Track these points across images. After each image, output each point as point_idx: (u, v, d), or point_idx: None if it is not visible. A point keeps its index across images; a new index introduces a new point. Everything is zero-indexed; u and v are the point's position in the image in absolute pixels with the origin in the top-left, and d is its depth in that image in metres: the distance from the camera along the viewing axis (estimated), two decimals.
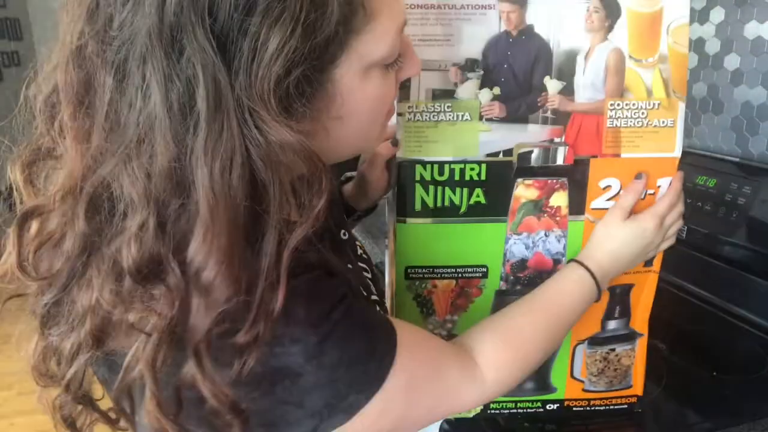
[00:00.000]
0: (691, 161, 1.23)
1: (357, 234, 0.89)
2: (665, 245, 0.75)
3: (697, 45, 1.31)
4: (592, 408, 0.86)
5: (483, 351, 0.62)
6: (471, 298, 0.79)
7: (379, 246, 1.43)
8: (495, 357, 0.62)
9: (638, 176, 0.73)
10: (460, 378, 0.59)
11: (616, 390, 0.85)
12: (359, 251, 0.76)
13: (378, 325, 0.54)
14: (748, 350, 1.01)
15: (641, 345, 0.83)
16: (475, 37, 0.69)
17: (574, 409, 0.86)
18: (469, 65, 0.70)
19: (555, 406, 0.85)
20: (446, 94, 0.71)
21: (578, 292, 0.70)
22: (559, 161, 0.72)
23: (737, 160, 1.19)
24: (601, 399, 0.86)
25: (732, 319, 1.10)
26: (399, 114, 0.70)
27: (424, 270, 0.77)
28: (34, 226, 0.48)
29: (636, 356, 0.83)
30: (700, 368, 0.94)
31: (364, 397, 0.50)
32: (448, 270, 0.77)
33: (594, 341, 0.83)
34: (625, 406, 0.85)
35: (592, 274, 0.70)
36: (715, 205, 1.15)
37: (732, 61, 1.23)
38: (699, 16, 1.29)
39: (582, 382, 0.84)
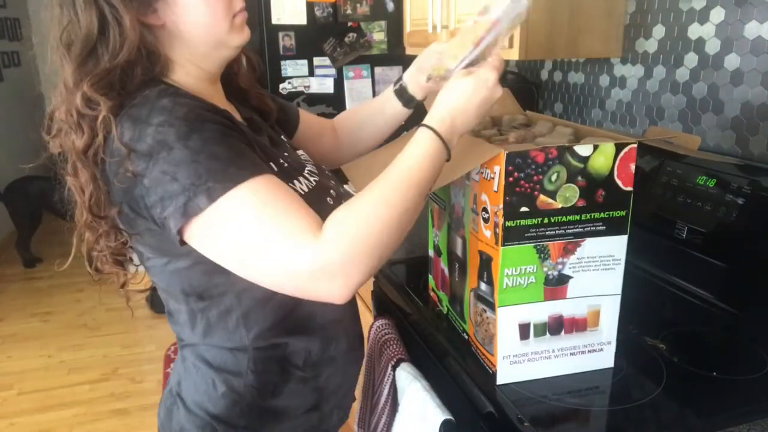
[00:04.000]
0: (691, 161, 1.24)
1: None
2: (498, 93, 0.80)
3: (697, 45, 1.31)
4: (477, 352, 0.96)
5: (328, 222, 0.69)
6: None
7: None
8: (336, 227, 0.68)
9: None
10: (294, 234, 0.67)
11: (487, 350, 0.91)
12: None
13: (248, 157, 0.71)
14: (748, 350, 1.01)
15: (498, 319, 0.86)
16: None
17: (471, 348, 0.98)
18: None
19: (465, 336, 1.01)
20: None
21: (424, 152, 0.74)
22: None
23: (737, 160, 1.19)
24: (479, 350, 0.94)
25: (732, 319, 1.10)
26: None
27: None
28: None
29: (495, 328, 0.87)
30: (700, 368, 0.94)
31: (220, 187, 0.67)
32: None
33: (476, 294, 0.92)
34: (490, 371, 0.91)
35: (436, 132, 0.74)
36: (715, 205, 1.15)
37: (732, 61, 1.23)
38: (699, 16, 1.29)
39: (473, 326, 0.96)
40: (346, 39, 2.49)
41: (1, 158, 4.37)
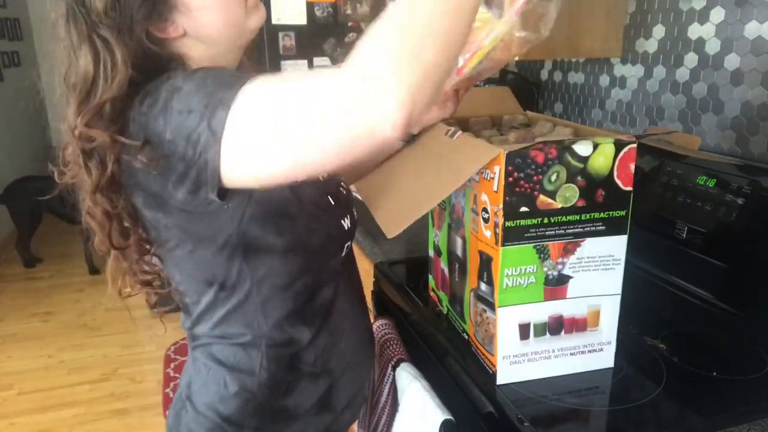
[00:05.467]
0: (691, 161, 1.24)
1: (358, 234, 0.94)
2: None
3: (697, 45, 1.31)
4: (477, 352, 0.95)
5: (357, 46, 0.57)
6: None
7: (379, 245, 1.43)
8: (370, 39, 0.57)
9: None
10: (329, 71, 0.59)
11: (487, 350, 0.91)
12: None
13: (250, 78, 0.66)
14: (748, 350, 1.01)
15: (498, 319, 0.86)
16: None
17: (471, 348, 0.97)
18: None
19: (465, 336, 1.00)
20: None
21: None
22: None
23: (737, 160, 1.19)
24: (479, 350, 0.94)
25: (732, 319, 1.10)
26: None
27: None
28: None
29: (495, 328, 0.87)
30: (700, 368, 0.94)
31: (231, 92, 0.63)
32: None
33: (476, 294, 0.91)
34: (490, 371, 0.91)
35: None
36: (715, 205, 1.15)
37: (732, 61, 1.23)
38: (699, 16, 1.29)
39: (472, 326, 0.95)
40: (346, 39, 2.49)
41: (1, 158, 4.37)
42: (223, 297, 0.83)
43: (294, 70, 0.71)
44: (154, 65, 0.73)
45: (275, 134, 0.61)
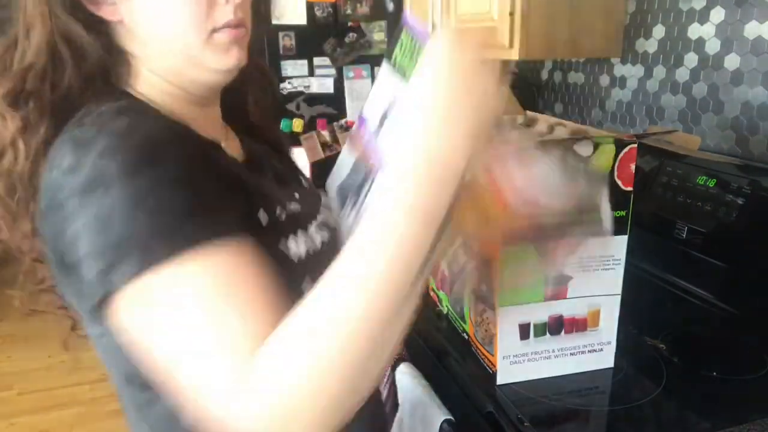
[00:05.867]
0: (691, 161, 1.24)
1: None
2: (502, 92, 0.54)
3: (697, 45, 1.31)
4: (477, 352, 0.95)
5: (272, 338, 0.46)
6: None
7: None
8: (278, 363, 0.45)
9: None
10: (229, 343, 0.47)
11: (487, 350, 0.90)
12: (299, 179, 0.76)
13: (217, 212, 0.51)
14: (748, 350, 1.01)
15: (498, 319, 0.86)
16: None
17: (471, 348, 0.97)
18: None
19: (465, 336, 0.99)
20: None
21: (395, 212, 0.48)
22: None
23: (737, 160, 1.19)
24: (479, 350, 0.94)
25: (732, 319, 1.10)
26: None
27: None
28: None
29: (495, 328, 0.87)
30: (700, 368, 0.94)
31: (161, 252, 0.47)
32: None
33: (476, 294, 0.91)
34: (490, 371, 0.91)
35: (405, 174, 0.49)
36: (715, 205, 1.15)
37: (732, 61, 1.23)
38: (699, 16, 1.29)
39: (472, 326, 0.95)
40: (346, 39, 2.49)
41: None
42: (148, 400, 0.60)
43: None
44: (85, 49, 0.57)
45: (152, 339, 0.50)
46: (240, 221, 0.53)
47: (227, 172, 0.59)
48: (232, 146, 0.69)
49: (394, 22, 2.48)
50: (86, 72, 0.57)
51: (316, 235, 0.65)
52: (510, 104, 1.09)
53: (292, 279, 0.57)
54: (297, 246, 0.61)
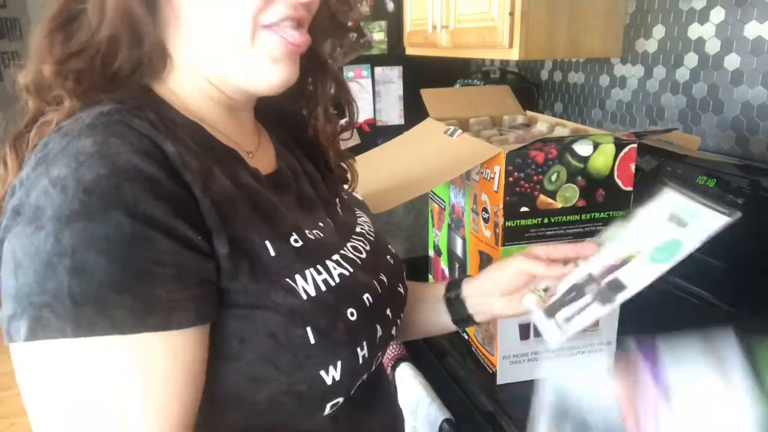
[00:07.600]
0: (691, 161, 1.24)
1: None
2: None
3: (697, 45, 1.31)
4: (477, 352, 0.96)
5: None
6: None
7: None
8: None
9: None
10: None
11: (487, 350, 0.92)
12: (361, 228, 0.68)
13: (159, 288, 0.43)
14: (748, 350, 1.01)
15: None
16: None
17: (471, 348, 0.99)
18: None
19: (465, 336, 0.98)
20: None
21: None
22: None
23: (737, 160, 1.19)
24: (479, 350, 0.96)
25: (732, 319, 1.10)
26: None
27: None
28: None
29: (495, 329, 0.88)
30: None
31: (64, 324, 0.41)
32: None
33: None
34: (490, 371, 0.92)
35: None
36: (714, 205, 1.14)
37: (732, 61, 1.23)
38: (699, 16, 1.29)
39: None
40: (346, 39, 2.49)
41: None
42: None
43: None
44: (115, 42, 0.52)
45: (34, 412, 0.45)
46: (174, 310, 0.44)
47: (226, 198, 0.51)
48: (262, 156, 0.63)
49: (394, 22, 2.48)
50: (136, 58, 0.53)
51: (343, 263, 0.59)
52: (510, 104, 1.10)
53: (296, 317, 0.52)
54: (306, 283, 0.54)
